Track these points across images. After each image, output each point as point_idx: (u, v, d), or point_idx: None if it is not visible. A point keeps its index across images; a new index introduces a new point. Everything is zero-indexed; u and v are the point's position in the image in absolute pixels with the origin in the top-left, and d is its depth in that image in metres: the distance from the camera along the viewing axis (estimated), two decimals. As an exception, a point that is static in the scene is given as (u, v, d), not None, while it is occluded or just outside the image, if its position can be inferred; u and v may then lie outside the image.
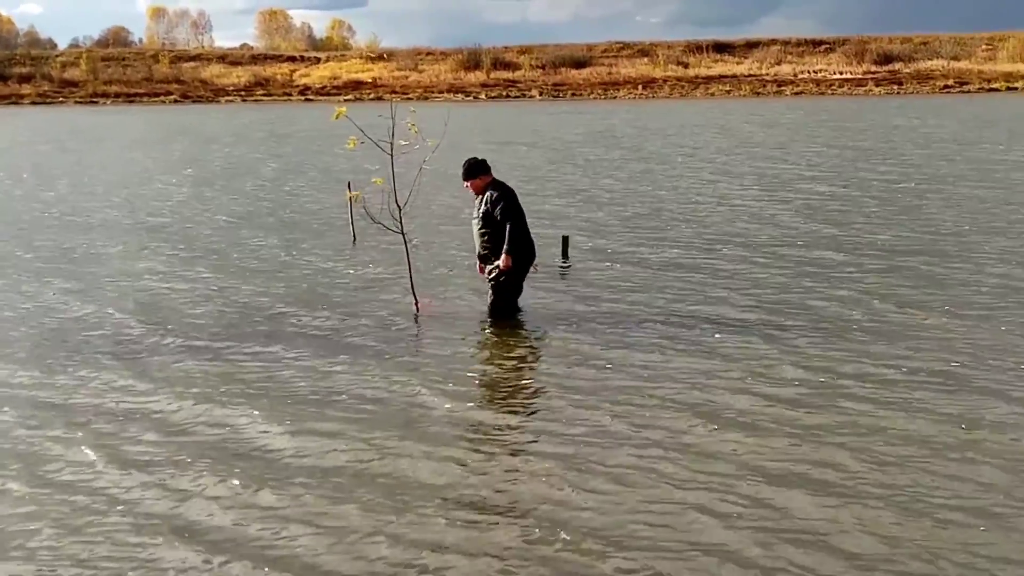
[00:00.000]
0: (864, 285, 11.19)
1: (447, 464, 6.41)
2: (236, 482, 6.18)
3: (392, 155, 10.05)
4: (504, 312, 9.98)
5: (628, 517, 5.59)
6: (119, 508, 5.88)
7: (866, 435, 6.72)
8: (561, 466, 6.32)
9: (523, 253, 9.97)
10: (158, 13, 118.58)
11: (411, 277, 10.47)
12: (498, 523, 5.58)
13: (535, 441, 6.79)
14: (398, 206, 10.14)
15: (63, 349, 9.28)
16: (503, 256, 9.78)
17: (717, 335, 9.26)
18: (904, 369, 8.13)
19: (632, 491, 5.92)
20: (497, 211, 9.82)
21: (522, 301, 10.26)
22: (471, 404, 7.63)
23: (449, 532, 5.48)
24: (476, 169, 10.03)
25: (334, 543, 5.39)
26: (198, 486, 6.15)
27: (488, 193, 9.94)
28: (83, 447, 6.83)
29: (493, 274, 9.96)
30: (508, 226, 9.76)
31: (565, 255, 13.08)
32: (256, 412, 7.44)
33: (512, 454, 6.61)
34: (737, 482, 6.03)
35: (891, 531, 5.39)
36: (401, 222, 10.16)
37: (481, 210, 9.94)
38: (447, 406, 7.54)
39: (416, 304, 10.37)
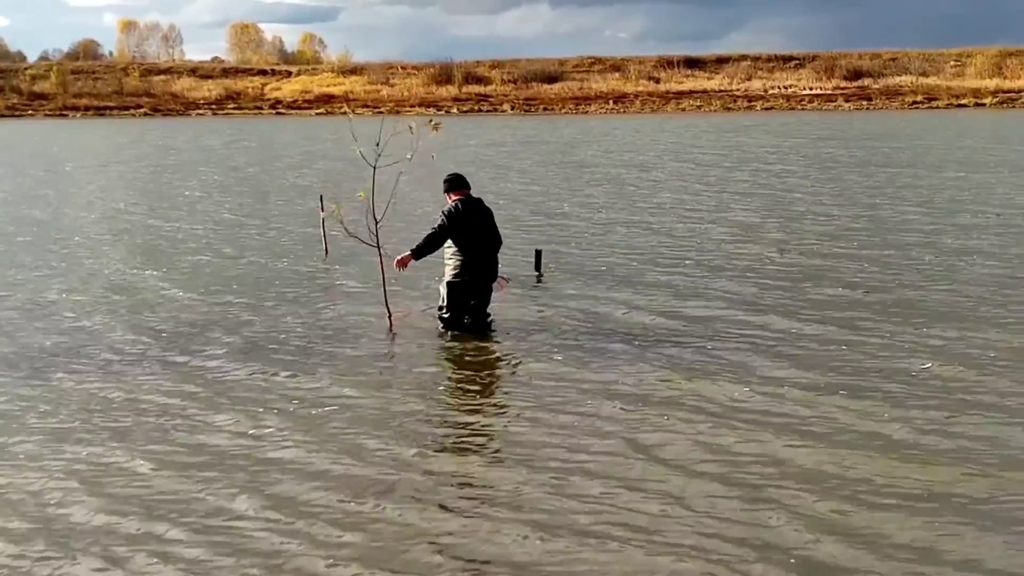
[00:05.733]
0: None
1: (419, 470, 6.42)
2: (240, 489, 6.14)
3: (375, 167, 10.09)
4: (456, 325, 10.01)
5: (599, 522, 5.58)
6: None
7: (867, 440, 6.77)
8: (530, 471, 6.34)
9: (480, 270, 10.00)
10: (128, 26, 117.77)
11: (384, 290, 10.43)
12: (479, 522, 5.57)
13: (502, 447, 6.82)
14: (375, 219, 10.16)
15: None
16: (405, 254, 9.97)
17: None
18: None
19: (604, 497, 5.94)
20: (437, 217, 10.00)
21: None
22: (440, 410, 7.71)
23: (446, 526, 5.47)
24: (454, 183, 10.14)
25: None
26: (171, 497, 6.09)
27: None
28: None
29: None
30: (430, 232, 9.90)
31: (538, 268, 13.08)
32: (229, 422, 7.43)
33: (482, 460, 6.62)
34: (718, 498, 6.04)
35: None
36: (377, 236, 10.15)
37: None
38: (417, 413, 7.59)
39: (389, 317, 10.33)
